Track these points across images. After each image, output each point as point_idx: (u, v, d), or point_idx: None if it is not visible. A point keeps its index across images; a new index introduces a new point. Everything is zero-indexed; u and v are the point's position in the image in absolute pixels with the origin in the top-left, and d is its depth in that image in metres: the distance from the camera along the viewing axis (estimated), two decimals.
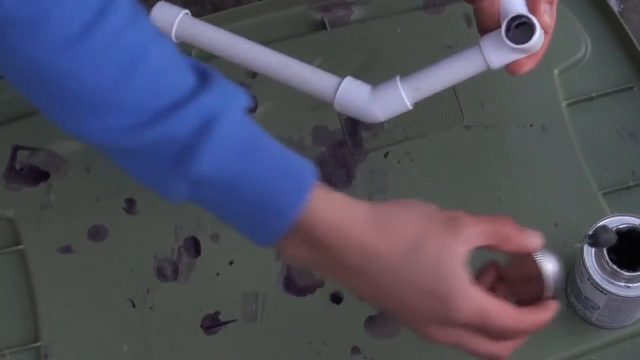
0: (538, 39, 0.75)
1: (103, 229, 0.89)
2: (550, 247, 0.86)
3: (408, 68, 0.79)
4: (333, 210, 0.66)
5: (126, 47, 0.62)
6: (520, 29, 0.75)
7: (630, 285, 0.77)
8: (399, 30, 0.96)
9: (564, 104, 0.93)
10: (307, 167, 0.67)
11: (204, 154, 0.63)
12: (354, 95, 0.77)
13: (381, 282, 0.67)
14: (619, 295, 0.77)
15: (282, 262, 0.86)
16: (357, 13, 0.97)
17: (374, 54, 0.94)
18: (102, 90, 0.62)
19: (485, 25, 0.77)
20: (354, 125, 0.92)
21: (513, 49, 0.75)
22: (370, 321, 0.85)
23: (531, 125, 0.92)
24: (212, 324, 0.86)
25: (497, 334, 0.68)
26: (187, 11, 0.80)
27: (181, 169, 0.63)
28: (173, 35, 0.80)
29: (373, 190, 0.90)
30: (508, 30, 0.75)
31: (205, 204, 0.67)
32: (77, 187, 0.91)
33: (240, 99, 0.65)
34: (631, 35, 0.94)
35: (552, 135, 0.91)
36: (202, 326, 0.85)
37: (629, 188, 0.89)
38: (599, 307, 0.80)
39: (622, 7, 1.03)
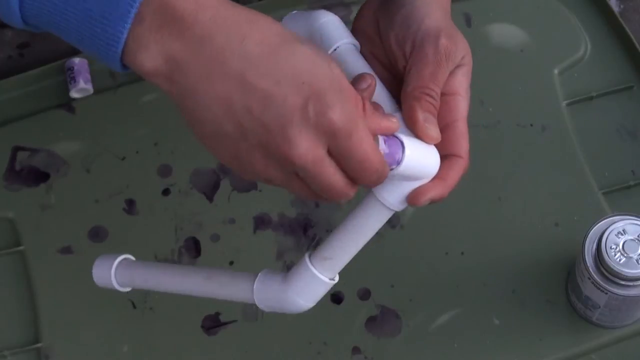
0: (412, 155, 0.61)
1: (103, 229, 0.89)
2: (550, 246, 0.87)
3: None
4: None
5: None
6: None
7: (630, 284, 0.76)
8: None
9: (564, 104, 0.93)
10: None
11: None
12: (268, 287, 0.66)
13: (246, 74, 0.57)
14: (619, 294, 0.77)
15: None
16: (356, 13, 0.97)
17: None
18: None
19: None
20: None
21: (395, 176, 0.62)
22: (370, 321, 0.85)
23: (531, 125, 0.92)
24: (212, 324, 0.86)
25: (353, 164, 0.59)
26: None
27: None
28: None
29: None
30: None
31: (43, 17, 0.58)
32: (77, 188, 0.91)
33: None
34: (631, 35, 0.95)
35: (551, 135, 0.91)
36: (202, 326, 0.85)
37: (628, 187, 0.89)
38: (600, 306, 0.79)
39: (622, 7, 1.03)
